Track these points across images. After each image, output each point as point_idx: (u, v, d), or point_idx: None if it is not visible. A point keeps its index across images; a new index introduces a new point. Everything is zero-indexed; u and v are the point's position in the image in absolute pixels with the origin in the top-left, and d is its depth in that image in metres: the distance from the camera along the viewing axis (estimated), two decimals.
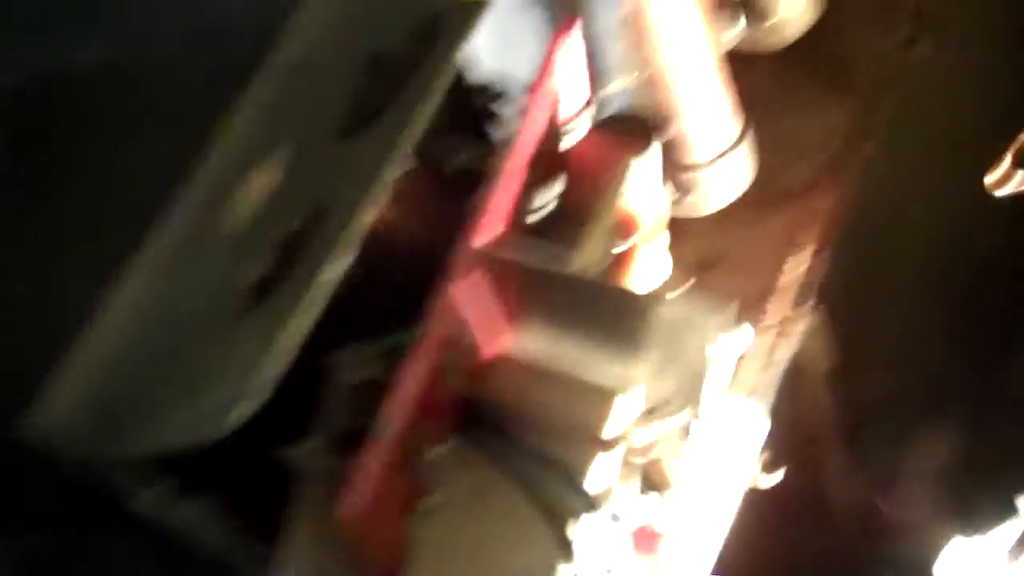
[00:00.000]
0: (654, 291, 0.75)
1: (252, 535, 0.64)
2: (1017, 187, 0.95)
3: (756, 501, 0.96)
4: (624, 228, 0.70)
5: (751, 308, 1.04)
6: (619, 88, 1.02)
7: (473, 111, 0.70)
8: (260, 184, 0.66)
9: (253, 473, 0.62)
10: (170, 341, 0.64)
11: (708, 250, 1.07)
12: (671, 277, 1.06)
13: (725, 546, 0.88)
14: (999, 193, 0.95)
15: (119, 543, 0.66)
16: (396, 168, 0.60)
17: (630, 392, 0.69)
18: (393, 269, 0.70)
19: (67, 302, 0.68)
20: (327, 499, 0.59)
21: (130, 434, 0.61)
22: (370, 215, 0.59)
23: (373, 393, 0.60)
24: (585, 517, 0.66)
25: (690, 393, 0.70)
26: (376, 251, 0.70)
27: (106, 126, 0.73)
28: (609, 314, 0.65)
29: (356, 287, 0.68)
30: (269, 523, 0.62)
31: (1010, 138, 0.98)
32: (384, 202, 0.67)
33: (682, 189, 0.94)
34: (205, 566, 0.67)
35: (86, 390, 0.64)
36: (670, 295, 0.74)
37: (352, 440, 0.59)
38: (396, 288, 0.64)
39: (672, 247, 1.07)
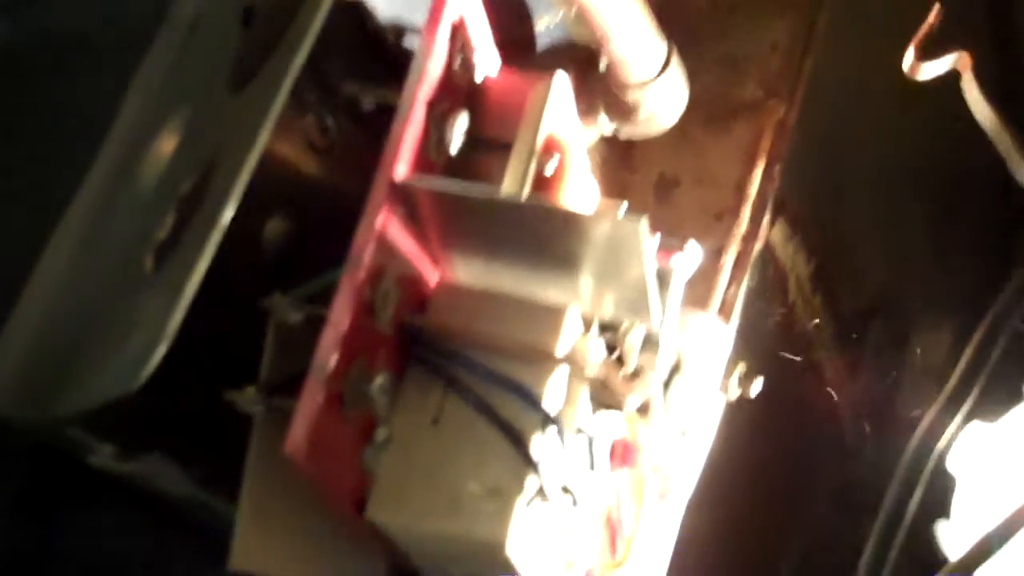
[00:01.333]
0: (584, 208, 0.76)
1: (213, 483, 0.67)
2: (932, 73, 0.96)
3: (750, 411, 0.97)
4: (547, 151, 0.71)
5: (719, 220, 1.06)
6: (550, 22, 1.03)
7: (384, 49, 0.71)
8: (165, 144, 0.68)
9: (209, 423, 0.64)
10: (90, 304, 0.67)
11: (669, 169, 1.09)
12: (633, 200, 1.08)
13: (721, 458, 0.89)
14: (918, 78, 0.96)
15: (92, 502, 0.69)
16: (278, 116, 0.62)
17: (575, 307, 0.70)
18: (330, 215, 0.72)
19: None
20: (277, 442, 0.60)
21: (63, 394, 0.63)
22: (254, 164, 0.61)
23: (309, 333, 0.62)
24: (548, 431, 0.66)
25: (636, 306, 0.70)
26: (313, 199, 0.72)
27: (20, 100, 0.76)
28: (539, 233, 0.66)
29: (296, 238, 0.70)
30: (229, 470, 0.64)
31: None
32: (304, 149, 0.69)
33: (629, 109, 0.96)
34: (172, 514, 0.69)
35: (22, 357, 0.67)
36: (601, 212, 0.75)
37: (294, 381, 0.61)
38: (336, 234, 0.65)
39: (634, 170, 1.09)
